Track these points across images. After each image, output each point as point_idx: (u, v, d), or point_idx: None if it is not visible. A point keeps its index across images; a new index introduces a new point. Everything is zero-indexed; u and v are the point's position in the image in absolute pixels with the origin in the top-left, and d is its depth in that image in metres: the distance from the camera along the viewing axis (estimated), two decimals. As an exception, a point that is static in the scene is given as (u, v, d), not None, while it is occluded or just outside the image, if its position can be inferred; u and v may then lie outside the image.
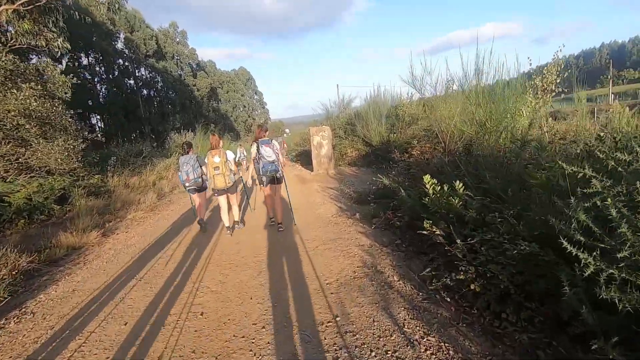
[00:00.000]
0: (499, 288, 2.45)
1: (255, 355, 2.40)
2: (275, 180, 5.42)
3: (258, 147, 5.22)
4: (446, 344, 2.29)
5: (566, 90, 5.80)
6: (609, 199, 1.73)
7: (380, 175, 6.31)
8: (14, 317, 3.35)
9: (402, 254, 3.96)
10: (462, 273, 2.57)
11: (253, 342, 2.53)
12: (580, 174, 2.01)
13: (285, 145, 19.94)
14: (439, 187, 3.58)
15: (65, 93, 10.29)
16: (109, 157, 12.94)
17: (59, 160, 8.63)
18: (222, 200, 5.57)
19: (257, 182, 5.73)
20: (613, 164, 2.10)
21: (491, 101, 4.16)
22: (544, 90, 5.61)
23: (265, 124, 5.88)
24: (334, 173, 11.33)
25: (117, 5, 11.20)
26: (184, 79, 48.51)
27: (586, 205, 1.86)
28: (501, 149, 4.20)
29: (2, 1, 9.12)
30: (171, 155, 15.59)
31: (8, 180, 7.85)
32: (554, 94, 5.62)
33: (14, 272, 4.39)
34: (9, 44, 9.57)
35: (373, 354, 2.28)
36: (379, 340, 2.41)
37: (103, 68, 33.94)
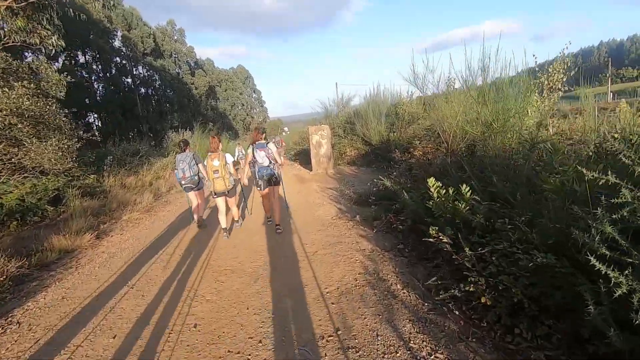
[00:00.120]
0: (510, 300, 2.30)
1: (251, 373, 2.25)
2: (272, 182, 5.36)
3: (254, 151, 5.21)
4: (456, 362, 2.14)
5: (565, 88, 5.65)
6: None
7: (381, 176, 6.17)
8: (-2, 328, 3.19)
9: (405, 260, 3.81)
10: (471, 285, 2.41)
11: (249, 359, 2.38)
12: (602, 181, 1.85)
13: (283, 143, 19.76)
14: (444, 191, 3.43)
15: (60, 92, 10.09)
16: (106, 157, 12.74)
17: (52, 160, 8.44)
18: (220, 202, 5.49)
19: (254, 183, 5.65)
20: None
21: (498, 100, 4.00)
22: (549, 89, 5.45)
23: (263, 126, 5.75)
24: (333, 172, 11.18)
25: (112, 2, 10.98)
26: (182, 78, 48.21)
27: (614, 216, 1.70)
28: (507, 150, 4.04)
29: (-7, -3, 8.91)
30: (168, 154, 15.39)
31: (0, 181, 7.67)
32: (560, 92, 5.46)
33: (1, 278, 4.23)
34: (1, 42, 9.36)
35: (377, 372, 2.13)
36: (383, 357, 2.26)
37: (100, 66, 33.64)
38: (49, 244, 5.65)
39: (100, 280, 4.11)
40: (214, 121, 42.77)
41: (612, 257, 1.68)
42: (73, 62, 30.28)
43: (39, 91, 9.01)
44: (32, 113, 8.35)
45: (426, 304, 2.82)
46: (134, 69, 39.13)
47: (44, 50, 11.20)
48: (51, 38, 10.36)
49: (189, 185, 5.82)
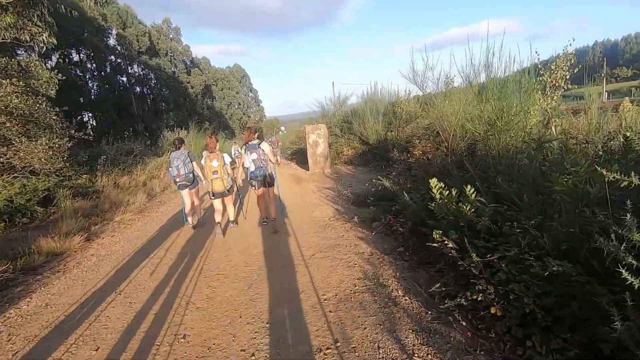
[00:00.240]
0: (521, 310, 2.15)
1: (243, 390, 2.08)
2: (266, 182, 5.34)
3: (246, 152, 5.20)
4: (464, 378, 1.99)
5: (569, 86, 5.52)
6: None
7: (380, 175, 6.02)
8: (-24, 338, 3.00)
9: (406, 264, 3.65)
10: (480, 294, 2.26)
11: (241, 374, 2.22)
12: (624, 183, 1.70)
13: (279, 143, 19.59)
14: (447, 192, 3.27)
15: (51, 90, 9.85)
16: (99, 156, 12.51)
17: (43, 159, 8.23)
18: (217, 203, 5.53)
19: (249, 183, 5.56)
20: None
21: (502, 97, 3.85)
22: (552, 87, 5.31)
23: (258, 126, 5.63)
24: (330, 172, 11.01)
25: (104, -1, 10.74)
26: (178, 76, 47.85)
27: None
28: (511, 150, 3.90)
29: (-19, -7, 8.68)
30: (163, 153, 15.16)
31: (-12, 181, 7.45)
32: (562, 90, 5.33)
33: (-16, 284, 4.05)
34: (-10, 38, 9.12)
35: (379, 389, 1.97)
36: (385, 372, 2.10)
37: (94, 65, 33.27)
38: (36, 246, 5.47)
39: (87, 285, 3.93)
40: (210, 120, 42.54)
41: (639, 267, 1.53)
42: (67, 60, 29.90)
43: (28, 89, 8.78)
44: (21, 111, 8.14)
45: (430, 312, 2.67)
46: (129, 68, 38.77)
47: (36, 48, 10.94)
48: (42, 35, 10.11)
49: (183, 182, 5.78)
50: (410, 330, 2.46)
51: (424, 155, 5.82)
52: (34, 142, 8.18)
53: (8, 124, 7.79)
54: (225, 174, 5.35)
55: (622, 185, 1.72)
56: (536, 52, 5.37)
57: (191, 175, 5.82)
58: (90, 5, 12.12)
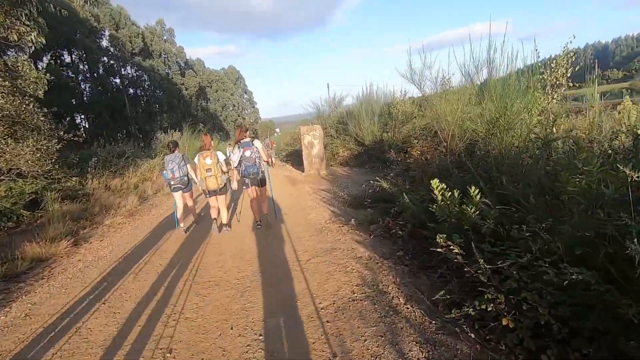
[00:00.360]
0: (534, 320, 1.99)
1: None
2: (259, 182, 5.34)
3: (239, 149, 5.19)
4: (474, 396, 1.82)
5: (570, 84, 5.41)
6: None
7: (377, 177, 5.86)
8: (-53, 353, 2.79)
9: (406, 269, 3.49)
10: (490, 304, 2.09)
11: (231, 393, 2.04)
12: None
13: (274, 144, 19.41)
14: (449, 193, 3.12)
15: (38, 90, 9.58)
16: (90, 158, 12.25)
17: (30, 162, 7.99)
18: (213, 200, 5.61)
19: (243, 183, 5.51)
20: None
21: (505, 95, 3.72)
22: (552, 86, 5.19)
23: (247, 125, 5.59)
24: (326, 174, 10.85)
25: (95, -3, 10.53)
26: (172, 78, 47.45)
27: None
28: (514, 149, 3.75)
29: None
30: (156, 156, 14.90)
31: (-28, 184, 7.20)
32: (563, 88, 5.21)
33: (-39, 293, 3.83)
34: (-24, 38, 8.87)
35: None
36: (389, 390, 1.93)
37: (87, 66, 32.84)
38: (21, 251, 5.25)
39: (71, 294, 3.72)
40: (204, 122, 42.22)
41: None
42: (58, 61, 29.48)
43: (15, 89, 8.52)
44: (7, 112, 7.89)
45: (434, 322, 2.50)
46: (123, 69, 38.34)
47: (26, 49, 10.68)
48: (30, 34, 9.86)
49: (178, 185, 5.78)
50: (414, 342, 2.30)
51: (422, 155, 5.67)
52: (20, 144, 7.94)
53: (-7, 125, 7.56)
54: (219, 171, 5.35)
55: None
56: (536, 50, 5.26)
57: (186, 178, 5.82)
58: (80, 4, 11.85)
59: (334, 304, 2.91)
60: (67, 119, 13.35)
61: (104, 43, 35.52)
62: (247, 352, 2.38)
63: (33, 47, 10.63)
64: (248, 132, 5.45)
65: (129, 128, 35.49)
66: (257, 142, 5.28)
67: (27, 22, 10.06)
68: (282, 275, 3.63)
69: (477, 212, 2.76)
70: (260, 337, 2.53)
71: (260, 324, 2.71)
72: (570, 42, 5.21)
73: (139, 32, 40.14)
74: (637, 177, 1.61)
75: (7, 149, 7.66)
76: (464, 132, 5.32)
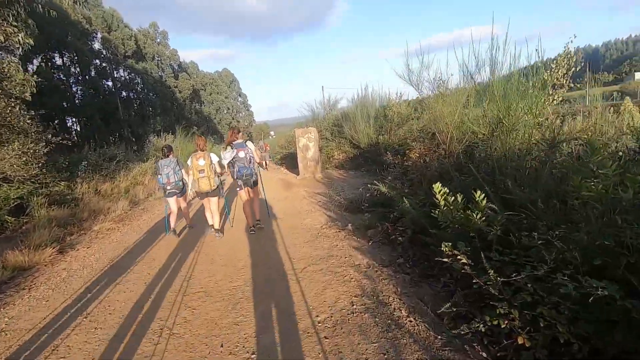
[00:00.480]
0: (551, 336, 1.82)
1: None
2: (252, 183, 5.30)
3: (232, 149, 5.14)
4: None
5: (571, 85, 5.30)
6: None
7: (375, 180, 5.70)
8: None
9: (407, 277, 3.32)
10: (503, 320, 1.92)
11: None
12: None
13: (267, 147, 19.23)
14: (452, 198, 2.96)
15: (25, 92, 9.30)
16: (80, 162, 11.97)
17: (15, 165, 7.72)
18: (206, 202, 5.56)
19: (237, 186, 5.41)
20: None
21: (508, 95, 3.57)
22: (553, 86, 5.07)
23: (239, 126, 5.45)
24: (322, 177, 10.68)
25: (85, -2, 10.29)
26: (165, 81, 47.13)
27: None
28: (516, 151, 3.61)
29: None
30: (148, 159, 14.62)
31: (-47, 189, 6.93)
32: (564, 89, 5.09)
33: None
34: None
35: None
36: (394, 417, 1.75)
37: (78, 69, 32.45)
38: (2, 260, 5.00)
39: (52, 306, 3.49)
40: (198, 125, 41.87)
41: None
42: (49, 64, 29.08)
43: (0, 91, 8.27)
44: (-9, 115, 7.64)
45: (439, 337, 2.33)
46: (115, 72, 37.99)
47: (15, 51, 10.41)
48: (17, 35, 9.61)
49: (173, 190, 5.72)
50: (420, 361, 2.12)
51: (420, 158, 5.52)
52: (5, 147, 7.68)
53: (-24, 128, 7.29)
54: (212, 173, 5.29)
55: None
56: (536, 50, 5.14)
57: (181, 183, 5.74)
58: (69, 4, 11.62)
59: (331, 317, 2.72)
60: (55, 121, 12.98)
61: (96, 45, 35.18)
62: (238, 373, 2.19)
63: (21, 49, 10.39)
64: (241, 134, 5.40)
65: (121, 131, 35.13)
66: (249, 144, 5.23)
67: (15, 23, 9.80)
68: (276, 285, 3.44)
69: (483, 218, 2.60)
70: (253, 356, 2.33)
71: (253, 340, 2.52)
72: (571, 41, 5.10)
73: (131, 34, 39.83)
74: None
75: (-9, 153, 7.40)
76: (463, 134, 5.18)
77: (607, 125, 4.54)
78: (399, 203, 4.16)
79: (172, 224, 5.91)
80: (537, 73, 3.68)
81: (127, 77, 40.20)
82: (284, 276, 3.63)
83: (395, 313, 2.69)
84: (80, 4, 10.93)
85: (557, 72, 5.10)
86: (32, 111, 9.20)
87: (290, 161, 15.53)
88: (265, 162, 18.05)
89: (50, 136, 9.47)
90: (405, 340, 2.33)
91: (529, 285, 1.93)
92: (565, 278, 1.77)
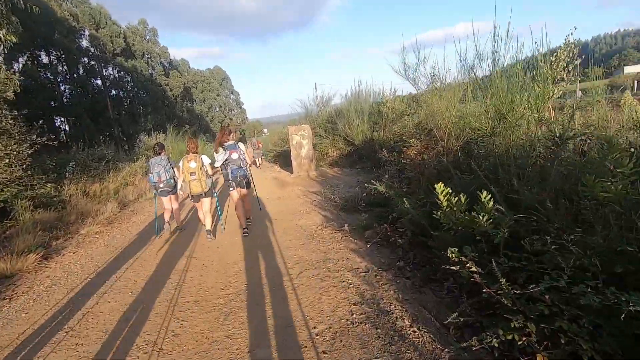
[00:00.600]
0: (570, 351, 1.67)
1: None
2: (244, 185, 5.27)
3: (224, 151, 5.06)
4: None
5: (572, 79, 5.17)
6: None
7: (372, 179, 5.53)
8: None
9: (408, 282, 3.16)
10: (517, 334, 1.76)
11: None
12: None
13: (260, 145, 19.00)
14: (455, 198, 2.80)
15: (6, 92, 8.97)
16: (68, 163, 11.63)
17: (-4, 168, 7.43)
18: (199, 205, 5.50)
19: (229, 185, 5.34)
20: None
21: (511, 89, 3.42)
22: (554, 80, 4.93)
23: (230, 126, 5.29)
24: (316, 175, 10.49)
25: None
26: (156, 79, 46.42)
27: None
28: (520, 148, 3.45)
29: None
30: (138, 159, 14.30)
31: None
32: (567, 82, 4.95)
33: None
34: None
35: None
36: None
37: (66, 67, 31.79)
38: (-18, 268, 4.76)
39: (31, 320, 3.28)
40: (190, 123, 41.38)
41: None
42: (36, 62, 28.43)
43: (-21, 91, 7.95)
44: (-30, 115, 7.33)
45: (446, 350, 2.17)
46: (104, 70, 37.31)
47: (-1, 49, 10.06)
48: (-1, 32, 9.28)
49: (165, 189, 5.66)
50: (427, 378, 1.96)
51: (418, 155, 5.36)
52: (-15, 149, 7.39)
53: (-46, 129, 6.99)
54: (204, 175, 5.23)
55: None
56: (535, 43, 4.99)
57: (172, 181, 5.69)
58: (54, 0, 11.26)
59: (330, 328, 2.55)
60: (41, 121, 12.59)
61: (84, 43, 34.50)
62: (229, 395, 2.01)
63: (3, 47, 10.05)
64: (232, 135, 5.27)
65: (111, 130, 34.58)
66: (241, 145, 5.16)
67: (-4, 20, 9.47)
68: (270, 293, 3.26)
69: (490, 220, 2.45)
70: (246, 375, 2.16)
71: (246, 356, 2.34)
72: (572, 33, 4.96)
73: (120, 31, 39.13)
74: None
75: (-29, 155, 7.11)
76: (461, 130, 5.03)
77: (611, 120, 4.42)
78: (397, 203, 4.00)
79: (167, 221, 5.87)
80: (540, 66, 3.52)
81: (117, 75, 39.53)
82: (279, 283, 3.45)
83: (397, 323, 2.52)
84: (65, 0, 10.54)
85: (558, 65, 4.96)
86: (15, 111, 8.88)
87: (283, 159, 15.32)
88: (259, 160, 17.84)
89: (35, 137, 9.14)
90: (410, 354, 2.17)
91: (548, 297, 1.77)
92: (590, 290, 1.61)
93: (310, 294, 3.12)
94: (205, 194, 5.30)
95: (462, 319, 2.25)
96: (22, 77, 9.51)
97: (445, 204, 2.85)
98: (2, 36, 9.41)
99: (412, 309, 2.69)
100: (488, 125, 3.76)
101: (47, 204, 8.47)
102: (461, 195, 2.77)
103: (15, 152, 8.01)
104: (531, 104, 3.27)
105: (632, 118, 4.08)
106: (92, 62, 35.16)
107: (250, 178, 5.49)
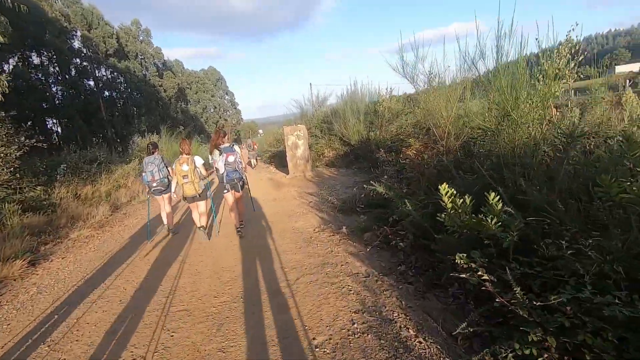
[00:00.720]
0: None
1: None
2: (239, 187, 5.17)
3: (221, 155, 4.99)
4: None
5: (575, 76, 5.07)
6: None
7: (367, 178, 5.40)
8: None
9: (411, 288, 3.01)
10: (535, 348, 1.62)
11: None
12: None
13: (255, 146, 18.84)
14: (460, 200, 2.66)
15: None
16: (59, 165, 11.38)
17: (-19, 171, 7.21)
18: (193, 205, 5.41)
19: (223, 189, 5.29)
20: None
21: (515, 85, 3.29)
22: (555, 77, 4.82)
23: (224, 129, 5.18)
24: (312, 175, 10.33)
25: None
26: (149, 80, 46.02)
27: None
28: (526, 147, 3.33)
29: None
30: (131, 160, 14.06)
31: None
32: (572, 80, 4.85)
33: None
34: None
35: None
36: None
37: (57, 68, 31.36)
38: (-35, 276, 4.56)
39: (13, 331, 3.10)
40: (184, 124, 41.13)
41: None
42: (26, 63, 28.02)
43: (-36, 92, 7.72)
44: (-45, 117, 7.10)
45: (455, 363, 2.03)
46: (97, 71, 36.91)
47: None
48: (-16, 32, 9.05)
49: (158, 188, 5.56)
50: (436, 395, 1.81)
51: (418, 155, 5.22)
52: (-30, 152, 7.16)
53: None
54: (197, 177, 5.14)
55: None
56: (536, 39, 4.88)
57: (166, 180, 5.58)
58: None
59: (330, 339, 2.40)
60: (29, 122, 12.32)
61: (76, 44, 34.11)
62: (223, 417, 1.85)
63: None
64: (227, 137, 5.17)
65: (105, 132, 34.19)
66: (236, 147, 5.13)
67: (-18, 20, 9.22)
68: (267, 300, 3.10)
69: (499, 222, 2.31)
70: (241, 393, 2.00)
71: (241, 371, 2.18)
72: (573, 29, 4.86)
73: (113, 32, 38.76)
74: None
75: (-43, 158, 6.88)
76: (461, 129, 4.91)
77: (614, 118, 4.31)
78: (397, 205, 3.86)
79: (165, 222, 5.83)
80: (545, 62, 3.40)
81: (110, 76, 39.12)
82: (275, 290, 3.29)
83: (402, 332, 2.38)
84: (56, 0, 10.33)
85: (558, 62, 4.85)
86: (3, 112, 8.65)
87: (279, 160, 15.15)
88: (254, 161, 17.67)
89: (23, 138, 8.91)
90: (416, 368, 2.02)
91: (569, 308, 1.62)
92: (618, 303, 1.47)
93: (309, 301, 2.97)
94: (199, 196, 5.22)
95: (472, 330, 2.11)
96: (9, 78, 9.25)
97: (449, 205, 2.71)
98: (-11, 36, 9.18)
99: (417, 317, 2.54)
100: (492, 123, 3.63)
101: (37, 207, 8.25)
102: (466, 196, 2.64)
103: (2, 155, 7.79)
104: (537, 101, 3.13)
105: (638, 115, 3.96)
106: (85, 63, 34.76)
107: (245, 180, 5.42)
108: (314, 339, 2.42)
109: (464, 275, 2.05)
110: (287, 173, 11.00)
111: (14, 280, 4.66)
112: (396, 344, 2.26)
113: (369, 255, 3.83)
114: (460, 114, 4.98)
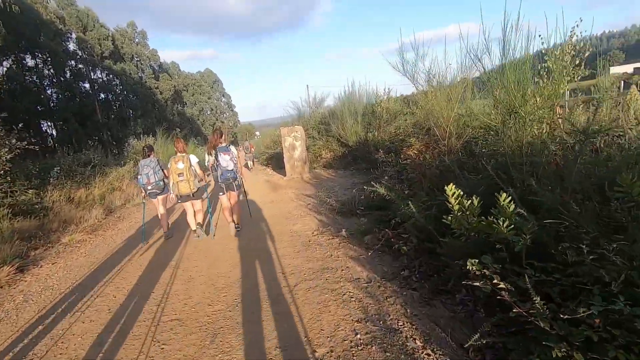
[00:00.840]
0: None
1: None
2: (234, 187, 5.19)
3: (217, 155, 4.99)
4: None
5: (581, 74, 4.96)
6: None
7: (363, 178, 5.26)
8: None
9: (416, 294, 2.86)
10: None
11: None
12: None
13: (253, 148, 18.69)
14: (468, 201, 2.52)
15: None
16: (52, 168, 11.18)
17: (-29, 175, 7.01)
18: (188, 205, 5.41)
19: (218, 189, 5.30)
20: None
21: (523, 80, 3.16)
22: (559, 74, 4.70)
23: (221, 129, 5.12)
24: (310, 177, 10.19)
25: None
26: (145, 82, 45.77)
27: None
28: (534, 145, 3.19)
29: None
30: (126, 163, 13.87)
31: None
32: (568, 78, 4.73)
33: None
34: None
35: None
36: None
37: (52, 70, 31.09)
38: (-50, 283, 4.38)
39: (-5, 343, 2.92)
40: (181, 127, 40.86)
41: None
42: (20, 65, 27.74)
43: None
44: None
45: (468, 378, 1.88)
46: (92, 73, 36.65)
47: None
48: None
49: (154, 190, 5.52)
50: (449, 415, 1.66)
51: (419, 155, 5.09)
52: (-41, 155, 6.96)
53: None
54: (192, 176, 5.17)
55: None
56: (539, 36, 4.76)
57: (162, 183, 5.55)
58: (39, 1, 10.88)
59: (332, 351, 2.23)
60: (20, 125, 12.13)
61: (71, 46, 33.87)
62: None
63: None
64: (224, 137, 5.15)
65: (100, 135, 33.91)
66: (232, 148, 5.14)
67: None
68: (263, 309, 2.94)
69: (512, 225, 2.16)
70: (235, 413, 1.84)
71: (236, 388, 2.02)
72: (577, 25, 4.74)
73: (108, 34, 38.53)
74: None
75: (-56, 161, 6.68)
76: (463, 128, 4.78)
77: (621, 116, 4.19)
78: (399, 206, 3.71)
79: (164, 227, 5.72)
80: (552, 58, 3.27)
81: (105, 78, 38.87)
82: (272, 297, 3.12)
83: (408, 344, 2.22)
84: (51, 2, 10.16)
85: (563, 59, 4.73)
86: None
87: (276, 161, 15.00)
88: (251, 163, 17.53)
89: (14, 141, 8.70)
90: (426, 384, 1.87)
91: (598, 320, 1.48)
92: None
93: (308, 309, 2.81)
94: (193, 194, 5.24)
95: (485, 342, 1.96)
96: (2, 80, 9.07)
97: (456, 207, 2.57)
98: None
99: (423, 326, 2.39)
100: (498, 120, 3.49)
101: (29, 211, 8.03)
102: (474, 197, 2.50)
103: (-9, 158, 7.59)
104: (545, 97, 3.00)
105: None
106: (80, 66, 34.51)
107: (241, 181, 5.38)
108: (314, 351, 2.26)
109: (477, 284, 1.88)
110: (285, 175, 10.86)
111: (1, 287, 4.48)
112: (403, 357, 2.10)
113: (370, 260, 3.68)
114: (461, 113, 4.86)
